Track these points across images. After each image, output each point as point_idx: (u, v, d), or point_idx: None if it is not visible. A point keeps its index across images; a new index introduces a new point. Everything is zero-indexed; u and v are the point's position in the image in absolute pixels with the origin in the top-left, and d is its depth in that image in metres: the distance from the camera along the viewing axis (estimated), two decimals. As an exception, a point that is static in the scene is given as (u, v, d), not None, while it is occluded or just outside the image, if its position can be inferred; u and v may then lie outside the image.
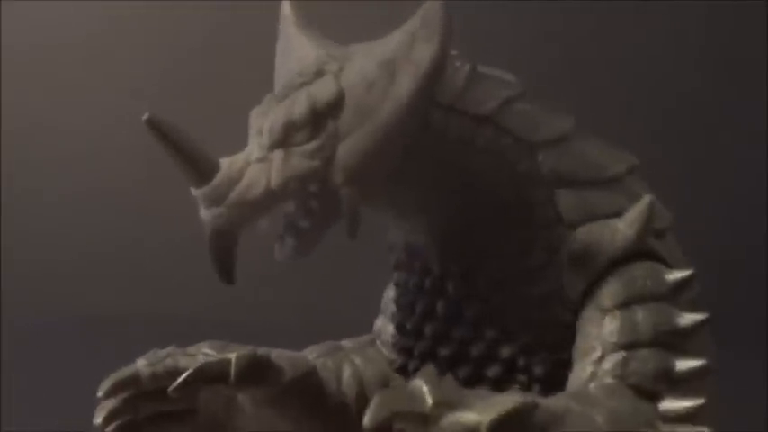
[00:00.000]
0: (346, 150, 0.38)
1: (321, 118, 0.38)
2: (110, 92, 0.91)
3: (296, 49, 0.42)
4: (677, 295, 0.40)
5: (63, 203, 1.04)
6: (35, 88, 1.00)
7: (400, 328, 0.44)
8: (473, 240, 0.42)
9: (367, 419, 0.29)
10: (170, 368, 0.43)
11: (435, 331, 0.43)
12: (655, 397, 0.37)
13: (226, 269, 0.40)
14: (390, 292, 0.47)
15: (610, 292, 0.40)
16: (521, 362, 0.41)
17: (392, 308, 0.46)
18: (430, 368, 0.32)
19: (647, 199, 0.41)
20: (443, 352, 0.42)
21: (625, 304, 0.39)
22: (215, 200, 0.39)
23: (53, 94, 0.95)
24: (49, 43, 0.94)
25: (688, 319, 0.39)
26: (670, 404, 0.37)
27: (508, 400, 0.30)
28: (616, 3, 0.98)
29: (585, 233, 0.41)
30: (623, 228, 0.41)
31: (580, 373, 0.39)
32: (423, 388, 0.31)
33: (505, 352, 0.42)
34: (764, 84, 0.98)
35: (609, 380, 0.38)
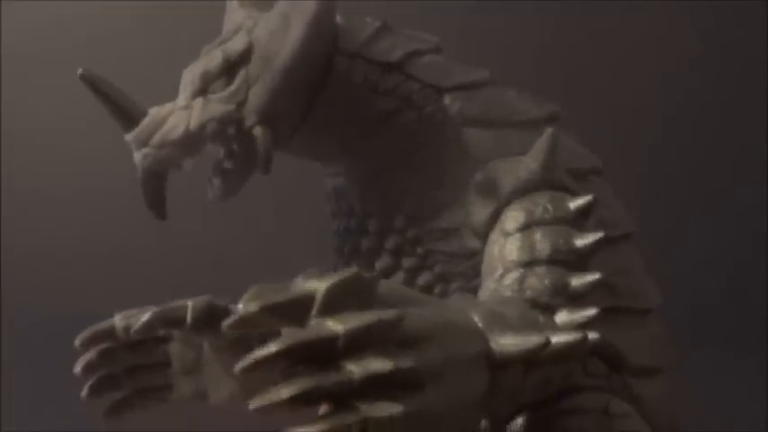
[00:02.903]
0: (255, 93, 0.43)
1: (234, 68, 0.43)
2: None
3: (231, 19, 0.47)
4: (578, 219, 0.41)
5: (63, 203, 1.04)
6: (35, 88, 1.00)
7: (334, 267, 0.47)
8: (389, 180, 0.45)
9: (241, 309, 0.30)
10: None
11: (360, 266, 0.46)
12: (550, 310, 0.38)
13: (156, 206, 0.45)
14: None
15: (512, 216, 0.41)
16: (437, 289, 0.44)
17: (333, 257, 0.49)
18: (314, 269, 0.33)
19: (548, 131, 0.42)
20: None
21: (525, 227, 0.41)
22: (142, 141, 0.44)
23: (53, 94, 0.95)
24: (48, 43, 0.94)
25: (585, 238, 0.40)
26: (565, 316, 0.38)
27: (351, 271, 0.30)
28: (616, 3, 0.98)
29: (492, 167, 0.43)
30: (528, 160, 0.42)
31: (483, 292, 0.41)
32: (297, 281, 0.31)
33: (422, 280, 0.44)
34: (764, 84, 0.98)
35: (507, 294, 0.39)
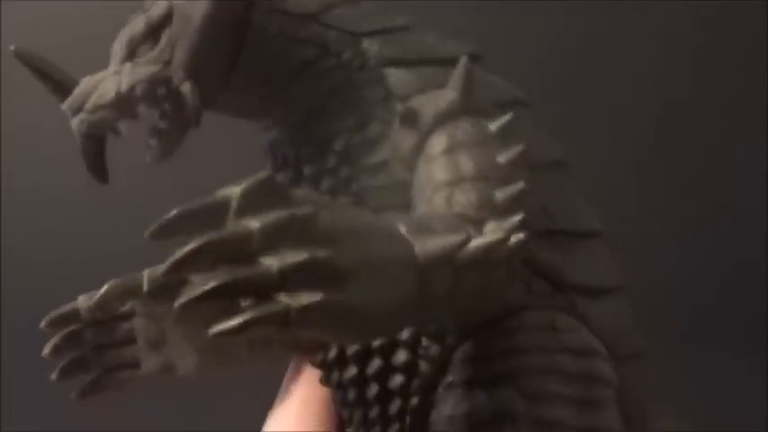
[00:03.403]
0: (178, 52, 0.44)
1: (157, 31, 0.45)
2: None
3: None
4: (501, 140, 0.41)
5: (63, 203, 1.04)
6: (35, 88, 1.00)
7: None
8: (317, 124, 0.46)
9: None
10: None
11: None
12: (479, 223, 0.38)
13: (95, 170, 0.46)
14: None
15: (435, 142, 0.42)
16: None
17: None
18: None
19: (462, 60, 0.43)
20: None
21: (449, 150, 0.41)
22: (76, 108, 0.45)
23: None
24: (49, 43, 0.93)
25: (507, 153, 0.40)
26: (492, 226, 0.38)
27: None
28: (615, 2, 0.98)
29: (415, 100, 0.44)
30: (447, 91, 0.43)
31: (414, 213, 0.41)
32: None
33: None
34: (765, 84, 0.98)
35: (437, 212, 0.39)
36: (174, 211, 0.28)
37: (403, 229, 0.34)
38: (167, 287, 0.35)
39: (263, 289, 0.28)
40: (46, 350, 0.47)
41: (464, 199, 0.39)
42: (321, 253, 0.29)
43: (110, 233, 1.03)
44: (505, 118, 0.42)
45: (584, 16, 0.98)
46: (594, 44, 0.98)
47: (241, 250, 0.28)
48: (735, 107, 0.99)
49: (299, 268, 0.28)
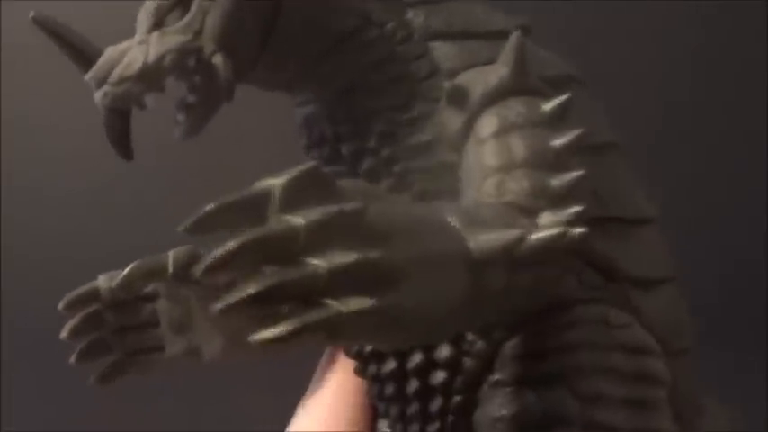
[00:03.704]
0: (210, 21, 0.41)
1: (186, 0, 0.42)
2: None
3: None
4: (555, 122, 0.39)
5: (64, 203, 1.04)
6: (35, 88, 1.00)
7: None
8: (357, 100, 0.43)
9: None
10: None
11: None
12: (532, 213, 0.36)
13: (120, 145, 0.43)
14: None
15: (485, 123, 0.39)
16: None
17: None
18: None
19: (514, 35, 0.40)
20: None
21: (500, 132, 0.39)
22: (100, 80, 0.42)
23: (53, 93, 0.95)
24: (49, 43, 0.93)
25: (562, 137, 0.38)
26: (547, 216, 0.36)
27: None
28: (615, 2, 0.98)
29: (462, 77, 0.41)
30: (497, 67, 0.40)
31: (463, 201, 0.39)
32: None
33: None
34: (765, 83, 0.98)
35: (486, 200, 0.37)
36: (211, 205, 0.26)
37: (454, 222, 0.32)
38: (191, 269, 0.33)
39: (309, 293, 0.26)
40: (64, 332, 0.45)
41: (516, 186, 0.37)
42: (373, 253, 0.27)
43: (110, 233, 1.03)
44: (561, 98, 0.39)
45: (584, 16, 0.98)
46: (594, 44, 0.98)
47: (285, 249, 0.26)
48: (735, 107, 0.99)
49: (349, 270, 0.26)
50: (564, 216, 0.36)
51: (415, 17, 0.43)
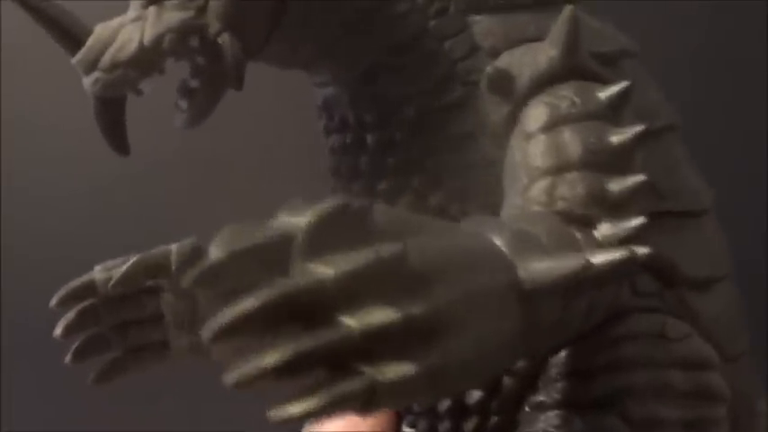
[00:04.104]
0: None
1: None
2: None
3: None
4: (612, 112, 0.34)
5: (64, 203, 1.04)
6: (35, 88, 1.00)
7: (333, 193, 0.41)
8: (384, 83, 0.38)
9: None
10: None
11: (360, 189, 0.40)
12: (588, 223, 0.32)
13: (115, 139, 0.38)
14: None
15: (533, 115, 0.35)
16: (453, 209, 0.38)
17: (330, 179, 0.42)
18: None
19: (567, 8, 0.35)
20: None
21: (550, 126, 0.34)
22: (89, 64, 0.37)
23: (53, 93, 0.95)
24: (49, 43, 0.93)
25: (622, 134, 0.34)
26: (606, 229, 0.32)
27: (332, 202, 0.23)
28: (615, 2, 0.98)
29: (505, 58, 0.36)
30: (546, 47, 0.36)
31: (508, 209, 0.34)
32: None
33: (435, 200, 0.38)
34: (765, 83, 0.98)
35: (535, 208, 0.33)
36: (221, 253, 0.22)
37: (502, 246, 0.28)
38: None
39: (341, 358, 0.22)
40: (58, 330, 0.41)
41: (569, 192, 0.33)
42: (415, 309, 0.23)
43: (110, 233, 1.03)
44: (620, 85, 0.35)
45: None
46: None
47: (312, 307, 0.22)
48: (735, 107, 0.99)
49: (387, 330, 0.22)
50: (625, 229, 0.32)
51: None
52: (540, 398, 0.36)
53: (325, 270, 0.22)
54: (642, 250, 0.31)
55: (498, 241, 0.29)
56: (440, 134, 0.38)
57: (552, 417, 0.35)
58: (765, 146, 0.99)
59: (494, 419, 0.37)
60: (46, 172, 1.04)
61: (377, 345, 0.22)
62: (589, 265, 0.29)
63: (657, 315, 0.37)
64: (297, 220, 0.23)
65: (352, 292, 0.22)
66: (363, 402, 0.22)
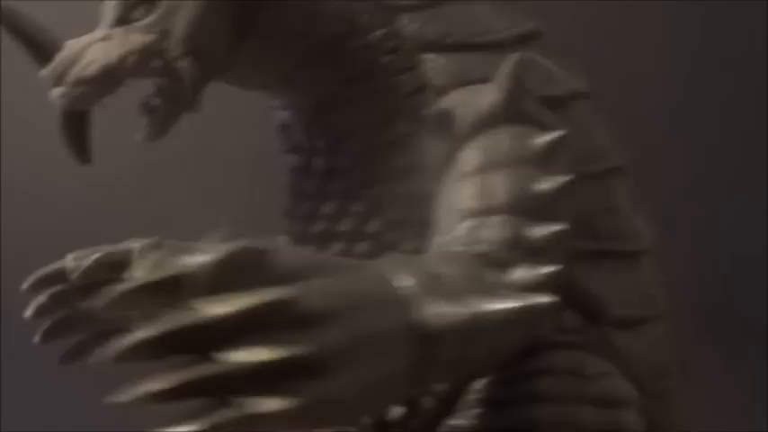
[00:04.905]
0: (179, 21, 0.38)
1: None
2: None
3: None
4: (545, 159, 0.35)
5: (63, 203, 1.04)
6: (35, 88, 1.00)
7: (286, 212, 0.43)
8: (336, 113, 0.40)
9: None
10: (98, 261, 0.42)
11: (307, 210, 0.42)
12: (505, 266, 0.33)
13: (77, 149, 0.41)
14: None
15: (469, 157, 0.36)
16: (389, 237, 0.39)
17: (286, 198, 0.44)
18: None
19: (513, 57, 0.36)
20: (314, 229, 0.41)
21: (483, 169, 0.35)
22: (57, 79, 0.39)
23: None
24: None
25: (549, 182, 0.35)
26: (521, 273, 0.33)
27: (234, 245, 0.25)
28: (615, 2, 0.98)
29: (452, 98, 0.38)
30: (490, 91, 0.37)
31: (434, 246, 0.36)
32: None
33: (372, 227, 0.39)
34: (765, 83, 0.98)
35: (458, 248, 0.34)
36: (126, 286, 0.25)
37: (410, 285, 0.29)
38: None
39: (224, 391, 0.24)
40: (28, 311, 0.43)
41: (491, 235, 0.34)
42: (297, 349, 0.24)
43: (110, 233, 1.03)
44: (555, 135, 0.36)
45: (583, 16, 0.98)
46: (595, 44, 0.98)
47: (203, 340, 0.24)
48: (735, 107, 0.99)
49: (268, 368, 0.24)
50: (537, 275, 0.33)
51: (409, 24, 0.39)
52: (457, 421, 0.37)
53: (216, 308, 0.24)
54: (543, 300, 0.32)
55: (408, 282, 0.30)
56: (382, 165, 0.39)
57: None
58: (765, 146, 0.99)
59: None
60: (46, 172, 1.04)
61: (258, 380, 0.24)
62: (483, 313, 0.30)
63: (577, 352, 0.38)
64: (203, 258, 0.25)
65: (240, 330, 0.24)
66: (244, 429, 0.24)
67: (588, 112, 0.41)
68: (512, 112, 0.36)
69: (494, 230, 0.34)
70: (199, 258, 0.25)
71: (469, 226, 0.34)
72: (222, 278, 0.25)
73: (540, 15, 1.04)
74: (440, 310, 0.29)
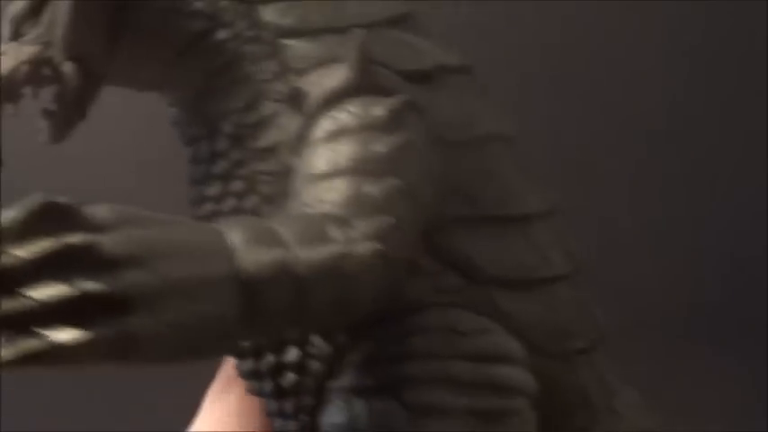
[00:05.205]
0: (58, 31, 0.41)
1: (39, 7, 0.41)
2: (110, 89, 0.90)
3: None
4: (389, 123, 0.38)
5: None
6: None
7: (188, 200, 0.46)
8: (210, 102, 0.42)
9: None
10: None
11: (197, 194, 0.44)
12: (346, 223, 0.35)
13: None
14: None
15: (319, 128, 0.38)
16: (265, 211, 0.41)
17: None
18: None
19: (361, 32, 0.39)
20: (203, 211, 0.44)
21: (330, 137, 0.38)
22: None
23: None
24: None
25: (390, 142, 0.37)
26: (359, 227, 0.34)
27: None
28: (615, 2, 0.98)
29: (308, 78, 0.40)
30: (341, 67, 0.39)
31: (284, 211, 0.38)
32: None
33: (249, 204, 0.42)
34: (765, 83, 0.98)
35: (304, 211, 0.36)
36: None
37: (237, 240, 0.31)
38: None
39: (26, 324, 0.26)
40: None
41: (335, 196, 0.36)
42: (99, 286, 0.26)
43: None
44: (396, 99, 0.38)
45: (583, 16, 0.98)
46: (594, 43, 0.98)
47: (10, 281, 0.26)
48: (735, 107, 0.99)
49: (61, 302, 0.26)
50: (374, 228, 0.35)
51: (266, 15, 0.42)
52: (339, 382, 0.39)
53: (19, 251, 0.26)
54: (365, 247, 0.33)
55: (234, 237, 0.31)
56: (251, 147, 0.41)
57: (340, 401, 0.38)
58: (765, 146, 0.99)
59: (306, 400, 0.40)
60: (46, 172, 1.04)
61: (56, 314, 0.26)
62: (300, 259, 0.31)
63: (453, 310, 0.39)
64: (12, 212, 0.28)
65: (40, 271, 0.26)
66: (48, 360, 0.26)
67: (462, 84, 0.43)
68: (362, 86, 0.39)
69: (336, 191, 0.36)
70: (9, 213, 0.28)
71: (314, 191, 0.36)
72: (27, 229, 0.27)
73: (541, 15, 1.04)
74: (258, 257, 0.31)
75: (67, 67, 0.41)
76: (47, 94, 0.42)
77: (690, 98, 0.99)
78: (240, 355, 0.42)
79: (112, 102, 0.44)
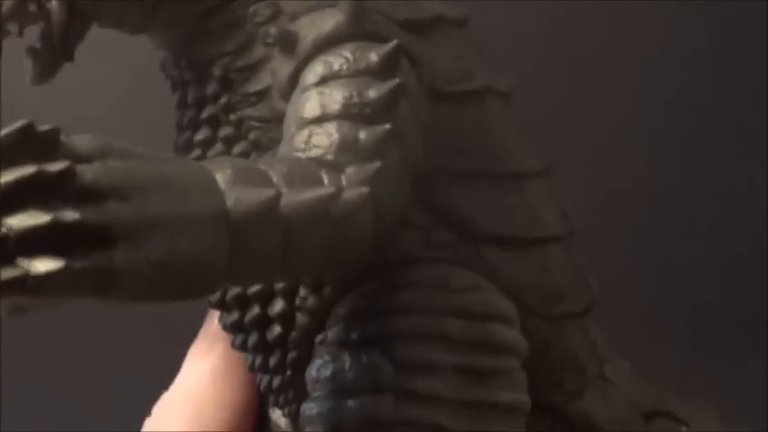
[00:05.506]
0: None
1: None
2: (110, 89, 0.91)
3: None
4: (382, 69, 0.37)
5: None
6: (35, 88, 1.00)
7: (174, 147, 0.45)
8: (199, 45, 0.42)
9: None
10: None
11: (185, 140, 0.43)
12: (337, 168, 0.34)
13: None
14: None
15: (311, 72, 0.38)
16: (252, 157, 0.40)
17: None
18: None
19: None
20: (191, 157, 0.43)
21: (322, 82, 0.37)
22: None
23: (53, 93, 0.95)
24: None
25: (379, 88, 0.36)
26: (351, 172, 0.34)
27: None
28: (614, 2, 0.99)
29: (299, 22, 0.39)
30: (336, 11, 0.38)
31: (274, 155, 0.37)
32: None
33: (238, 149, 0.41)
34: (765, 83, 0.98)
35: (295, 155, 0.35)
36: None
37: (225, 179, 0.31)
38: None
39: (4, 252, 0.25)
40: None
41: (325, 140, 0.35)
42: (69, 216, 0.26)
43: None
44: (390, 45, 0.37)
45: (583, 16, 0.98)
46: (594, 43, 0.98)
47: None
48: (735, 107, 0.99)
49: (37, 231, 0.25)
50: (366, 172, 0.34)
51: None
52: (325, 335, 0.38)
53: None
54: (359, 190, 0.33)
55: (222, 176, 0.31)
56: (240, 91, 0.41)
57: (326, 353, 0.37)
58: (765, 146, 0.99)
59: (292, 353, 0.40)
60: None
61: (33, 244, 0.25)
62: (282, 200, 0.31)
63: (444, 265, 0.38)
64: None
65: (17, 199, 0.25)
66: (27, 290, 0.25)
67: (460, 37, 0.42)
68: (355, 31, 0.38)
69: (326, 136, 0.35)
70: None
71: (305, 135, 0.36)
72: (11, 155, 0.26)
73: (542, 15, 1.04)
74: (247, 197, 0.30)
75: (54, 4, 0.40)
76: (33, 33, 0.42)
77: (690, 98, 0.99)
78: (225, 306, 0.41)
79: (100, 45, 0.43)
